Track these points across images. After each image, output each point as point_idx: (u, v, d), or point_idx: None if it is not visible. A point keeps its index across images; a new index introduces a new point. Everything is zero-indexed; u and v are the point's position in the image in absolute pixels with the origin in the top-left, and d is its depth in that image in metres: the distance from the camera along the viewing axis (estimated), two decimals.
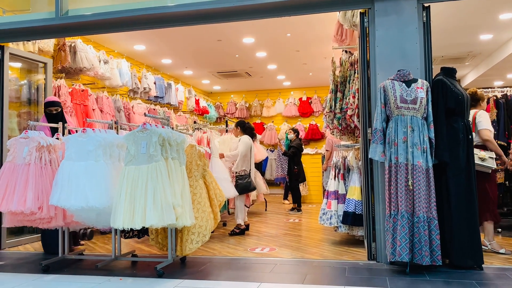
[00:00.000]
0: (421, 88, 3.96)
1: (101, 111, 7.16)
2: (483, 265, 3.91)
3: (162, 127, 4.15)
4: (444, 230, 3.91)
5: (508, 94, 5.98)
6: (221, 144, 6.99)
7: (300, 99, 12.37)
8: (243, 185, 6.12)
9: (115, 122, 4.82)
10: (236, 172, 6.25)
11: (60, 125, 4.72)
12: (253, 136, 6.70)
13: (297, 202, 8.68)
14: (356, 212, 4.90)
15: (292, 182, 8.83)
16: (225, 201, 5.00)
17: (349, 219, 4.95)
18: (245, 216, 6.33)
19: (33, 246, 5.44)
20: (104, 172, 3.99)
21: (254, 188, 6.30)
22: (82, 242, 5.41)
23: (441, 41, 7.59)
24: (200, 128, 6.94)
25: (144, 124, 3.97)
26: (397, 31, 4.26)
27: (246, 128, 6.60)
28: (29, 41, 5.95)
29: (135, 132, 3.94)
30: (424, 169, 3.83)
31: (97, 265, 4.20)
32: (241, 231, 6.10)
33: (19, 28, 5.21)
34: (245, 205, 6.38)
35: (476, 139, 4.61)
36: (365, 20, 4.45)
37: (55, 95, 6.40)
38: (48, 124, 4.89)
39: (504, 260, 4.28)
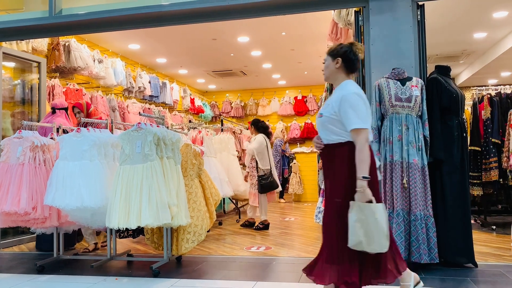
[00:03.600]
0: (416, 86, 3.97)
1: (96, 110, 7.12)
2: (478, 262, 3.93)
3: (157, 126, 4.14)
4: (438, 228, 3.92)
5: (502, 92, 6.00)
6: (217, 143, 6.99)
7: (296, 98, 12.37)
8: (268, 185, 6.42)
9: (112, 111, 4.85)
10: (258, 172, 6.47)
11: (55, 124, 4.70)
12: (267, 135, 6.80)
13: None
14: None
15: None
16: (221, 200, 5.00)
17: None
18: (255, 213, 6.59)
19: (28, 247, 5.41)
20: (98, 171, 3.98)
21: (277, 186, 6.56)
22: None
23: (436, 40, 7.61)
24: (196, 127, 6.94)
25: (139, 123, 3.95)
26: (391, 30, 4.27)
27: (260, 127, 6.73)
28: (22, 40, 5.91)
29: (130, 132, 3.93)
30: (419, 167, 3.83)
31: (92, 265, 4.18)
32: (265, 226, 6.36)
33: (13, 27, 5.18)
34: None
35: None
36: (360, 18, 4.45)
37: (49, 94, 6.37)
38: (46, 124, 4.88)
39: (498, 257, 4.30)
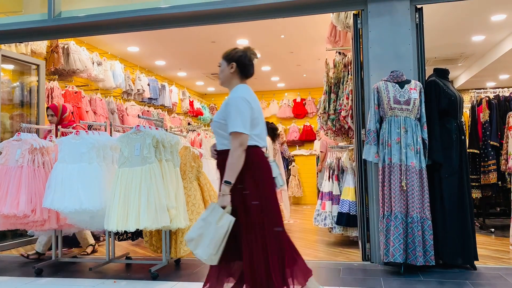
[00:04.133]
0: (414, 89, 3.98)
1: (95, 113, 7.12)
2: (476, 265, 3.93)
3: (156, 129, 4.14)
4: (437, 230, 3.93)
5: (500, 95, 6.02)
6: None
7: (294, 100, 12.38)
8: None
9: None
10: None
11: (53, 127, 4.70)
12: (274, 136, 6.73)
13: None
14: (350, 213, 4.91)
15: None
16: None
17: (344, 220, 4.96)
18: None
19: (26, 249, 5.39)
20: (97, 174, 3.97)
21: None
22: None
23: (434, 42, 7.63)
24: (194, 130, 6.94)
25: (138, 126, 3.95)
26: (390, 33, 4.28)
27: (268, 128, 6.66)
28: (21, 43, 5.91)
29: (129, 134, 3.93)
30: (417, 170, 3.84)
31: (91, 268, 4.17)
32: None
33: (12, 30, 5.18)
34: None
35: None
36: (359, 21, 4.46)
37: (48, 97, 6.37)
38: (40, 126, 4.87)
39: (497, 260, 4.30)
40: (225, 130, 2.53)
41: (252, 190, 2.49)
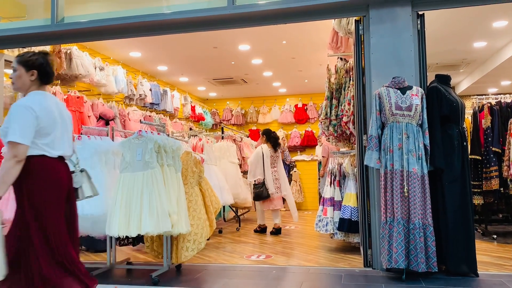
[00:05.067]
0: (416, 95, 3.99)
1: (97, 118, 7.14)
2: (479, 272, 3.92)
3: (158, 134, 4.15)
4: (440, 237, 3.92)
5: (502, 101, 6.02)
6: (217, 151, 7.00)
7: (296, 105, 12.40)
8: (255, 193, 6.70)
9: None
10: (254, 181, 6.78)
11: None
12: (276, 145, 6.94)
13: None
14: (352, 219, 4.90)
15: None
16: (221, 208, 5.00)
17: (345, 226, 4.95)
18: (277, 218, 6.81)
19: None
20: (99, 179, 3.96)
21: (267, 196, 6.65)
22: None
23: (436, 48, 7.64)
24: (196, 135, 6.95)
25: (140, 131, 3.96)
26: (392, 39, 4.29)
27: (271, 137, 6.97)
28: (24, 48, 5.94)
29: (131, 139, 3.94)
30: (419, 176, 3.84)
31: (92, 273, 4.17)
32: (262, 229, 6.89)
33: (15, 35, 5.21)
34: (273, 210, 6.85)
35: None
36: (360, 27, 4.48)
37: None
38: None
39: (499, 267, 4.29)
40: None
41: (28, 199, 2.44)
